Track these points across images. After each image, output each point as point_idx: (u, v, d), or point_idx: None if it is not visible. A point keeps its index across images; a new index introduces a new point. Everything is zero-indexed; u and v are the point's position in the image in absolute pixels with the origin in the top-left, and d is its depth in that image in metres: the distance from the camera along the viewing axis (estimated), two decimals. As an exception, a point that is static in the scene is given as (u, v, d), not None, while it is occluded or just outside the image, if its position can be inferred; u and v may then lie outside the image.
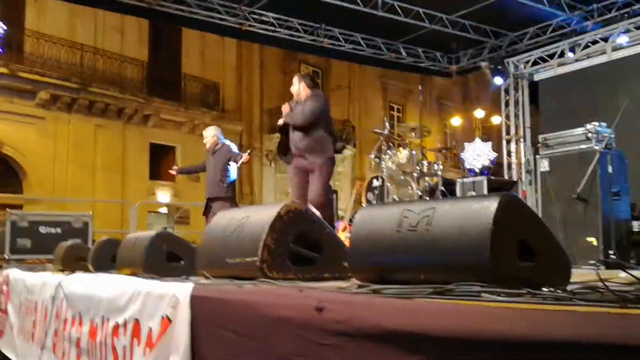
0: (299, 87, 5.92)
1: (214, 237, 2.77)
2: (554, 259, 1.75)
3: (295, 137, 5.79)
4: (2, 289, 4.90)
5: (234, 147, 7.74)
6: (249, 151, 7.50)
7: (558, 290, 1.50)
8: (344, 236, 6.65)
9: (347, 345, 1.37)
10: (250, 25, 11.12)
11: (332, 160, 5.78)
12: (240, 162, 7.25)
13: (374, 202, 8.07)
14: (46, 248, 6.52)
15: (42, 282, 3.82)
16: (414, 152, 8.00)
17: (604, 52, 10.61)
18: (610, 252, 4.89)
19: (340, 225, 8.65)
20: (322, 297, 1.55)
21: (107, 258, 4.15)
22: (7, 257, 7.04)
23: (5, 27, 8.87)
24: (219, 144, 7.58)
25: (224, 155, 7.43)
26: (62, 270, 4.47)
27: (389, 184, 7.88)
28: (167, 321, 2.16)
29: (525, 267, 1.65)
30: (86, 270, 4.22)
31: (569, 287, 1.60)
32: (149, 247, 3.34)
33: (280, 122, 5.94)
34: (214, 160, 7.48)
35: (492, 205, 1.60)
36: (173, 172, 8.02)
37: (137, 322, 2.38)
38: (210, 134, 7.62)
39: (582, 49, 11.01)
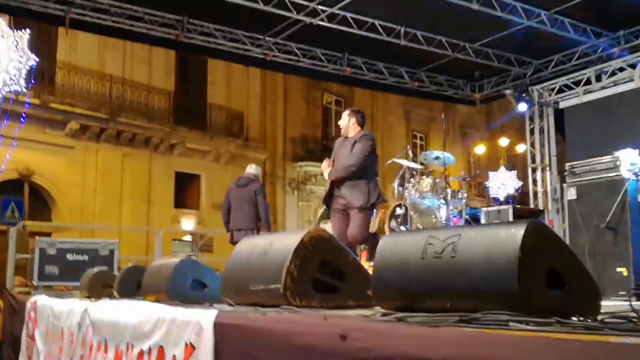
0: (348, 123, 5.68)
1: (238, 263, 2.78)
2: (583, 288, 1.72)
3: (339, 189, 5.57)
4: (30, 316, 4.95)
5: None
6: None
7: (588, 320, 1.46)
8: (367, 265, 6.60)
9: (372, 373, 1.35)
10: (274, 55, 11.27)
11: (369, 211, 5.57)
12: None
13: (397, 230, 8.03)
14: (73, 275, 6.58)
15: (69, 308, 3.86)
16: (437, 180, 7.96)
17: (631, 79, 10.50)
18: (641, 282, 4.77)
19: (362, 254, 8.60)
20: (346, 325, 1.54)
21: (133, 285, 4.17)
22: (35, 284, 7.12)
23: (37, 59, 9.10)
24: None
25: (247, 190, 8.13)
26: (89, 297, 4.51)
27: (412, 212, 7.84)
28: (191, 348, 2.16)
29: (554, 296, 1.62)
30: (112, 297, 4.25)
31: (600, 317, 1.57)
32: (173, 274, 3.36)
33: (326, 176, 5.69)
34: (239, 192, 8.09)
35: (519, 232, 1.58)
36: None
37: (161, 348, 2.38)
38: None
39: (609, 76, 10.91)
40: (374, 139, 5.71)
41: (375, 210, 5.76)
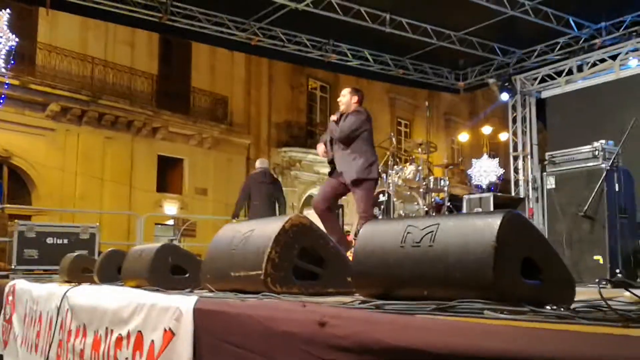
0: (349, 100, 5.97)
1: (219, 250, 2.78)
2: (558, 277, 1.75)
3: (337, 157, 5.86)
4: (7, 300, 4.91)
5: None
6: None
7: (561, 309, 1.49)
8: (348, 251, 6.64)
9: (349, 360, 1.37)
10: (259, 40, 11.20)
11: (373, 184, 5.86)
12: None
13: (380, 217, 8.07)
14: (53, 259, 6.53)
15: (48, 293, 3.83)
16: (420, 167, 8.00)
17: (612, 70, 10.61)
18: (617, 270, 4.86)
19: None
20: (325, 312, 1.55)
21: (113, 270, 4.16)
22: (13, 268, 7.06)
23: (17, 40, 8.96)
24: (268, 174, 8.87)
25: (274, 186, 8.80)
26: (68, 282, 4.48)
27: (395, 199, 7.87)
28: (170, 333, 2.16)
29: (529, 285, 1.64)
30: (92, 281, 4.23)
31: (573, 306, 1.60)
32: (154, 259, 3.35)
33: (320, 152, 6.07)
34: (266, 187, 8.66)
35: (495, 222, 1.60)
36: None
37: (140, 334, 2.39)
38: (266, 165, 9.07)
39: (590, 67, 11.02)
40: (367, 113, 6.00)
41: (375, 185, 5.90)
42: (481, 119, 23.84)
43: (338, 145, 5.85)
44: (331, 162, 6.02)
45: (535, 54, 11.82)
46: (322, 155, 6.11)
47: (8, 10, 8.95)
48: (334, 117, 6.05)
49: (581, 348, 1.02)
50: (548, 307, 1.50)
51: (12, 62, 11.44)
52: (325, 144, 6.06)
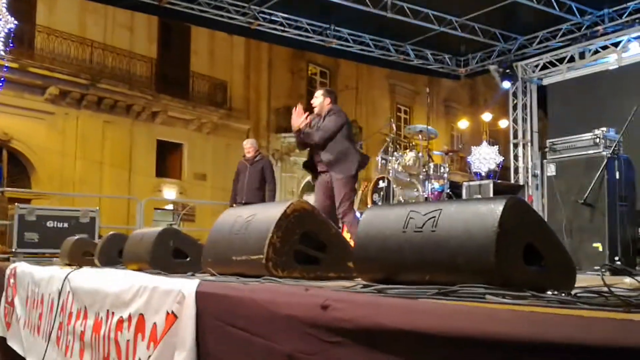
0: (323, 102, 6.00)
1: (221, 234, 2.79)
2: (559, 263, 1.76)
3: (317, 153, 5.88)
4: (9, 282, 4.94)
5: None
6: None
7: (562, 294, 1.50)
8: (348, 236, 6.66)
9: (352, 343, 1.38)
10: (259, 25, 11.14)
11: (354, 177, 5.85)
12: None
13: (380, 203, 8.08)
14: (53, 242, 6.55)
15: (49, 275, 3.85)
16: (420, 154, 8.01)
17: (614, 58, 10.58)
18: (616, 258, 4.88)
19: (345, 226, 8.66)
20: (327, 295, 1.56)
21: (114, 253, 4.17)
22: (14, 251, 7.08)
23: (16, 22, 8.91)
24: (258, 155, 8.41)
25: (261, 166, 8.30)
26: (69, 265, 4.50)
27: (394, 186, 7.88)
28: (172, 317, 2.17)
29: (530, 271, 1.65)
30: (93, 265, 4.24)
31: (574, 291, 1.61)
32: (155, 242, 3.36)
33: (296, 125, 5.93)
34: (252, 169, 8.22)
35: (498, 208, 1.60)
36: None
37: (141, 316, 2.40)
38: (251, 144, 8.49)
39: (592, 54, 10.98)
40: (343, 112, 6.02)
41: (355, 178, 5.88)
42: (478, 103, 23.80)
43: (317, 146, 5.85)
44: (306, 166, 6.10)
45: (537, 40, 11.77)
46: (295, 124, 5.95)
47: (7, -7, 8.90)
48: (296, 119, 5.95)
49: (583, 332, 1.03)
50: (549, 293, 1.51)
51: (11, 45, 11.39)
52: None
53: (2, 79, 14.09)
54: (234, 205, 8.06)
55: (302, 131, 5.86)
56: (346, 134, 5.86)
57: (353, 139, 6.05)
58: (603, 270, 3.46)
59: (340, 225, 5.88)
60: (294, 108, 6.07)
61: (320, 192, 5.92)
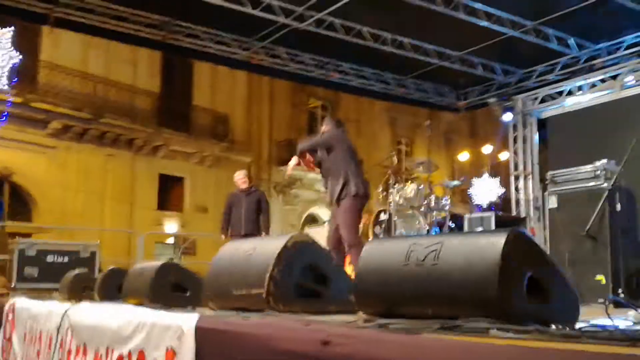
0: (323, 128, 6.18)
1: (221, 268, 2.77)
2: (562, 295, 1.74)
3: (327, 184, 5.90)
4: (7, 318, 4.89)
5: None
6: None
7: (567, 328, 1.48)
8: (349, 270, 6.61)
9: (353, 380, 1.36)
10: (260, 59, 11.27)
11: (354, 201, 5.63)
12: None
13: (381, 235, 8.05)
14: (53, 277, 6.49)
15: (48, 311, 3.81)
16: (421, 186, 8.00)
17: (613, 90, 10.66)
18: (619, 290, 4.83)
19: (347, 258, 8.61)
20: (328, 330, 1.54)
21: (114, 288, 4.14)
22: (14, 286, 7.03)
23: (20, 57, 9.03)
24: (253, 186, 8.53)
25: (257, 197, 8.30)
26: (69, 300, 4.46)
27: (396, 218, 7.87)
28: (172, 353, 2.15)
29: (533, 304, 1.63)
30: (92, 299, 4.21)
31: (578, 325, 1.59)
32: (155, 277, 3.34)
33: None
34: (248, 199, 8.19)
35: (499, 240, 1.59)
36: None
37: (141, 352, 2.37)
38: (244, 174, 8.51)
39: (591, 87, 11.07)
40: (341, 133, 6.05)
41: (361, 201, 5.78)
42: (479, 135, 23.87)
43: (323, 165, 5.91)
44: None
45: (536, 74, 11.88)
46: (290, 168, 6.35)
47: (12, 28, 9.02)
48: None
49: (589, 368, 1.01)
50: (553, 326, 1.49)
51: (15, 79, 11.51)
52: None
53: (5, 113, 14.20)
54: (229, 237, 8.00)
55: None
56: (348, 156, 5.80)
57: (357, 163, 5.92)
58: (607, 303, 3.42)
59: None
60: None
61: (332, 221, 5.89)
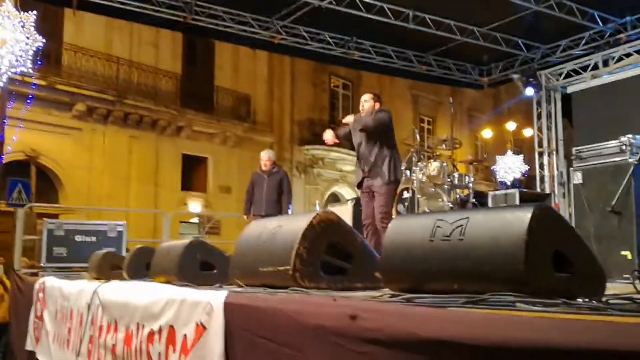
0: (372, 105, 6.07)
1: (247, 246, 2.81)
2: (588, 270, 1.74)
3: (363, 155, 5.95)
4: (38, 297, 5.01)
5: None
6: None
7: (593, 301, 1.49)
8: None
9: (381, 353, 1.38)
10: (282, 39, 11.23)
11: (394, 186, 5.92)
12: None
13: (405, 213, 8.04)
14: (81, 256, 6.63)
15: (79, 289, 3.90)
16: (444, 164, 7.96)
17: (638, 65, 10.45)
18: (646, 266, 4.79)
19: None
20: (355, 305, 1.56)
21: (142, 266, 4.22)
22: (43, 265, 7.18)
23: (44, 41, 9.11)
24: (275, 166, 8.36)
25: (279, 178, 8.25)
26: (97, 278, 4.56)
27: (419, 196, 7.85)
28: (201, 328, 2.19)
29: (560, 278, 1.64)
30: (121, 278, 4.30)
31: (604, 298, 1.59)
32: (183, 255, 3.40)
33: (348, 119, 6.13)
34: (270, 180, 8.16)
35: (526, 215, 1.60)
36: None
37: (172, 328, 2.42)
38: (268, 156, 8.35)
39: (616, 62, 10.86)
40: (387, 113, 6.07)
41: (396, 187, 5.94)
42: (502, 112, 23.61)
43: (365, 144, 5.91)
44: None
45: (560, 49, 11.68)
46: (330, 139, 6.21)
47: (35, 12, 9.09)
48: (350, 119, 6.11)
49: (615, 338, 1.02)
50: (580, 300, 1.50)
51: (39, 63, 11.64)
52: (337, 134, 6.12)
53: (30, 96, 14.38)
54: (251, 216, 8.06)
55: (354, 121, 5.96)
56: (391, 139, 5.95)
57: (395, 145, 6.07)
58: (634, 277, 3.40)
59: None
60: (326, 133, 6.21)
61: (365, 200, 5.98)
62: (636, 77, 10.48)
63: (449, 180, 7.81)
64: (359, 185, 6.10)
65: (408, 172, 7.93)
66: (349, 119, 6.13)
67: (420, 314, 1.41)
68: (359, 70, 18.67)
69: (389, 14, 10.46)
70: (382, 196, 5.78)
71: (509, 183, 16.20)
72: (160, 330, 2.53)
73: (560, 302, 1.45)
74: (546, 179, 12.16)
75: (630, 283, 3.93)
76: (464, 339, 1.21)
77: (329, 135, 6.22)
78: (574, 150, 5.70)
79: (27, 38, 8.87)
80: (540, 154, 12.43)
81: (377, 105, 6.08)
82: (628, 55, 10.64)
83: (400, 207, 8.10)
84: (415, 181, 7.80)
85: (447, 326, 1.27)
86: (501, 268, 1.59)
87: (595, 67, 11.16)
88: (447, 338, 1.24)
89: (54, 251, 7.33)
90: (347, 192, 20.96)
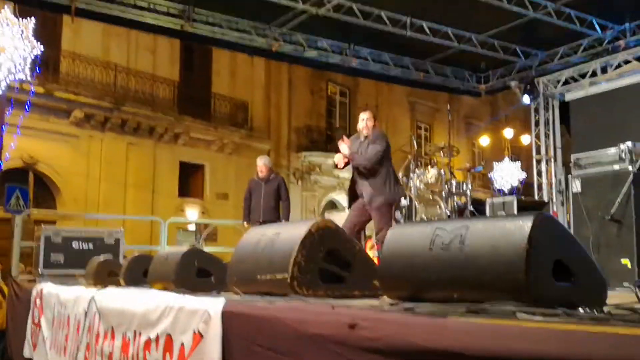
0: (372, 124, 5.95)
1: (245, 253, 2.80)
2: (589, 279, 1.73)
3: (358, 182, 5.87)
4: (35, 303, 4.99)
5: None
6: None
7: (594, 311, 1.48)
8: (371, 254, 6.62)
9: (381, 362, 1.37)
10: (279, 46, 11.25)
11: (390, 205, 5.79)
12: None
13: (402, 221, 8.03)
14: (79, 263, 6.60)
15: (75, 296, 3.88)
16: (442, 171, 7.97)
17: (636, 72, 10.47)
18: (645, 274, 4.78)
19: (367, 243, 8.62)
20: (354, 314, 1.55)
21: (139, 273, 4.20)
22: (40, 272, 7.15)
23: (42, 48, 9.11)
24: (272, 173, 8.32)
25: (277, 184, 8.20)
26: (94, 285, 4.53)
27: (417, 203, 7.85)
28: (199, 336, 2.18)
29: (560, 287, 1.63)
30: (118, 285, 4.28)
31: (606, 308, 1.58)
32: (180, 262, 3.38)
33: (343, 154, 5.97)
34: (267, 187, 8.12)
35: (526, 224, 1.59)
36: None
37: (169, 336, 2.41)
38: (264, 163, 8.30)
39: (614, 69, 10.88)
40: (387, 137, 5.99)
41: (392, 206, 5.87)
42: (499, 120, 23.66)
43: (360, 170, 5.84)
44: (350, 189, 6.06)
45: (558, 56, 11.71)
46: (340, 162, 6.04)
47: (33, 19, 9.09)
48: (346, 142, 5.95)
49: (617, 349, 1.01)
50: (581, 310, 1.49)
51: (37, 70, 11.62)
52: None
53: (29, 103, 14.37)
54: (248, 224, 8.03)
55: (349, 155, 5.85)
56: (387, 161, 5.87)
57: (390, 161, 5.99)
58: (634, 286, 3.39)
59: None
60: (340, 140, 6.06)
61: (354, 212, 5.87)
62: (634, 84, 10.50)
63: (446, 187, 7.82)
64: (354, 198, 5.98)
65: (405, 179, 7.94)
66: (344, 149, 5.94)
67: (420, 323, 1.40)
68: (356, 77, 18.72)
69: (387, 21, 10.48)
70: (383, 215, 5.70)
71: (506, 190, 16.21)
72: (157, 338, 2.51)
73: (560, 312, 1.44)
74: (544, 186, 12.16)
75: (628, 288, 3.92)
76: (465, 350, 1.20)
77: (340, 160, 6.04)
78: (572, 157, 5.70)
79: (26, 45, 8.87)
80: (538, 162, 12.43)
81: (374, 123, 5.98)
82: (627, 62, 10.66)
83: (398, 215, 8.09)
84: (412, 188, 7.80)
85: (448, 336, 1.26)
86: (501, 277, 1.58)
87: (594, 74, 11.18)
88: (447, 348, 1.23)
89: (51, 258, 7.30)
90: (344, 199, 20.94)
